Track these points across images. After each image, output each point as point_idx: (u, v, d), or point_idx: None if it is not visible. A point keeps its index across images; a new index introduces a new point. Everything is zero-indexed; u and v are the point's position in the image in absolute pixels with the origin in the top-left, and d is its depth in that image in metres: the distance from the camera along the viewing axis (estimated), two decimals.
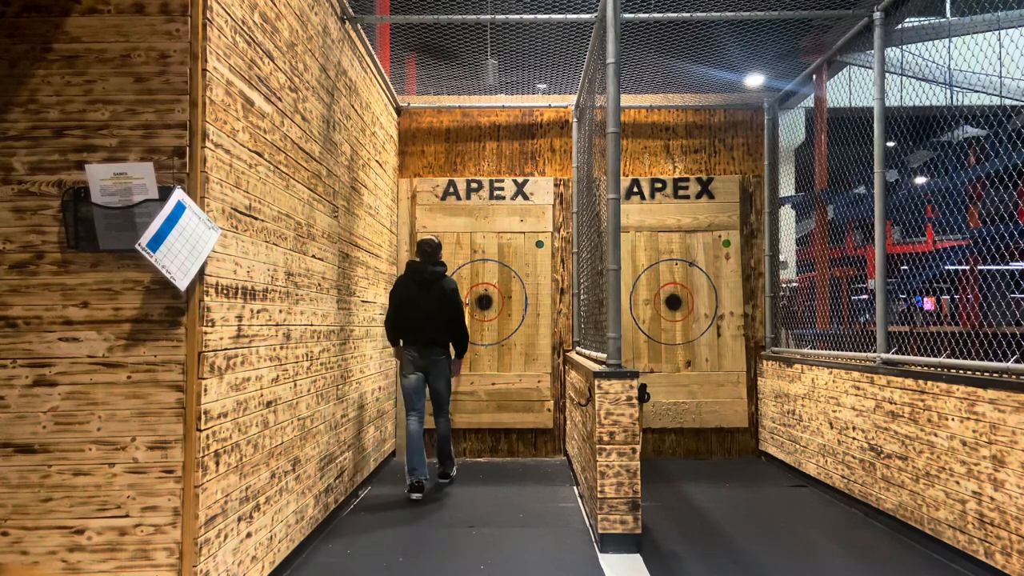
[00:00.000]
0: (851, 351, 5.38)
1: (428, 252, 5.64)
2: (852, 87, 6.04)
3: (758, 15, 5.38)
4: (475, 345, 6.99)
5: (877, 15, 5.07)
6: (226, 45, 3.07)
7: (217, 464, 2.97)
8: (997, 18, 4.66)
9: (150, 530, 2.78)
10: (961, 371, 4.02)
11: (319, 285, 4.49)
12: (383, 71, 6.25)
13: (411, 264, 5.63)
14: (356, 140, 5.45)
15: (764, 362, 6.84)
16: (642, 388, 4.27)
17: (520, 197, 7.10)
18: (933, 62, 5.32)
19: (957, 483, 3.94)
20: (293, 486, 3.96)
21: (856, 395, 5.05)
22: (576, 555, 4.15)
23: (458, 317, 5.63)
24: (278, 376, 3.73)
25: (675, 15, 5.41)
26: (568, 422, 6.68)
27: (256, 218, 3.43)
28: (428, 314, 5.53)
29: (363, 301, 5.71)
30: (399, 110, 7.17)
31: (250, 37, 3.33)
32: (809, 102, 6.96)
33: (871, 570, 3.92)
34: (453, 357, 5.77)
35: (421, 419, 5.54)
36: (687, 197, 7.08)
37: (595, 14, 5.21)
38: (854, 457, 5.08)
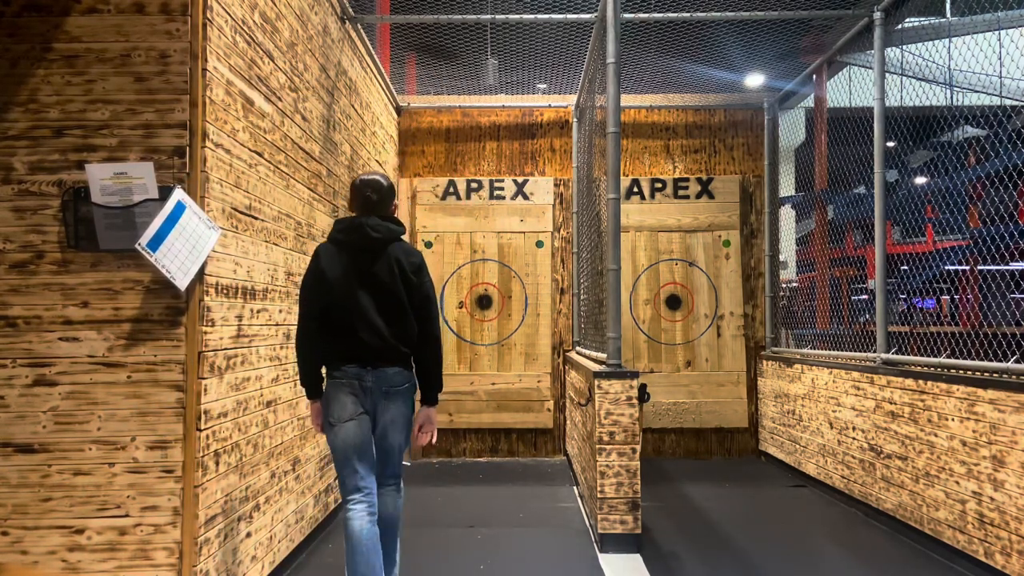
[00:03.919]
0: (851, 351, 5.38)
1: (374, 202, 3.17)
2: (852, 87, 6.04)
3: (758, 15, 5.38)
4: (475, 345, 6.99)
5: (877, 15, 5.07)
6: (226, 45, 3.07)
7: (217, 464, 2.97)
8: (997, 18, 4.66)
9: (150, 530, 2.78)
10: (961, 371, 4.02)
11: None
12: (383, 71, 6.26)
13: (340, 221, 3.19)
14: (356, 140, 5.45)
15: (764, 362, 6.84)
16: (642, 388, 4.27)
17: (520, 197, 7.10)
18: (933, 62, 5.32)
19: (957, 483, 3.94)
20: (293, 486, 3.96)
21: (856, 395, 5.05)
22: (576, 555, 4.15)
23: (429, 313, 3.18)
24: (278, 376, 3.73)
25: (675, 15, 5.41)
26: (568, 422, 6.68)
27: (256, 218, 3.43)
28: (376, 302, 3.10)
29: None
30: (399, 110, 7.16)
31: (250, 37, 3.33)
32: (809, 102, 6.96)
33: (871, 570, 3.92)
34: (419, 400, 3.23)
35: (373, 505, 3.08)
36: (687, 197, 7.08)
37: (595, 14, 5.21)
38: (854, 457, 5.08)
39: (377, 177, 3.21)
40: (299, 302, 3.14)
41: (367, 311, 3.08)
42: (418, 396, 3.24)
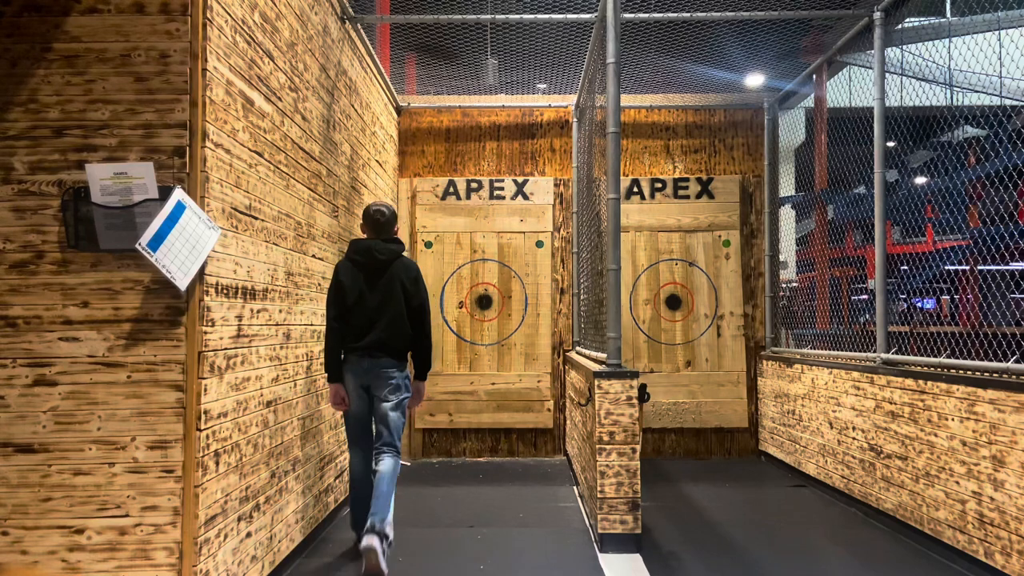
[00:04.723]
0: (851, 351, 5.38)
1: (381, 223, 4.15)
2: (852, 87, 6.04)
3: (758, 15, 5.38)
4: (475, 345, 7.00)
5: (877, 15, 5.07)
6: (226, 45, 3.07)
7: (217, 464, 2.97)
8: (997, 18, 4.66)
9: (150, 530, 2.78)
10: (961, 371, 4.02)
11: (319, 285, 4.49)
12: (383, 71, 6.26)
13: (355, 243, 4.14)
14: (356, 140, 5.45)
15: (764, 362, 6.84)
16: (642, 388, 4.27)
17: (520, 197, 7.10)
18: (933, 62, 5.32)
19: (957, 483, 3.94)
20: (293, 486, 3.96)
21: (856, 395, 5.05)
22: (576, 555, 4.15)
23: (422, 316, 4.15)
24: (278, 376, 3.73)
25: (675, 15, 5.41)
26: (568, 422, 6.68)
27: (256, 218, 3.43)
28: (379, 308, 4.05)
29: None
30: (399, 110, 7.16)
31: (250, 37, 3.33)
32: (809, 102, 6.96)
33: (871, 570, 3.92)
34: (413, 377, 4.28)
35: (369, 455, 4.13)
36: (687, 197, 7.08)
37: (595, 14, 5.21)
38: (854, 457, 5.08)
39: (382, 207, 4.20)
40: (326, 306, 4.13)
41: (372, 315, 4.06)
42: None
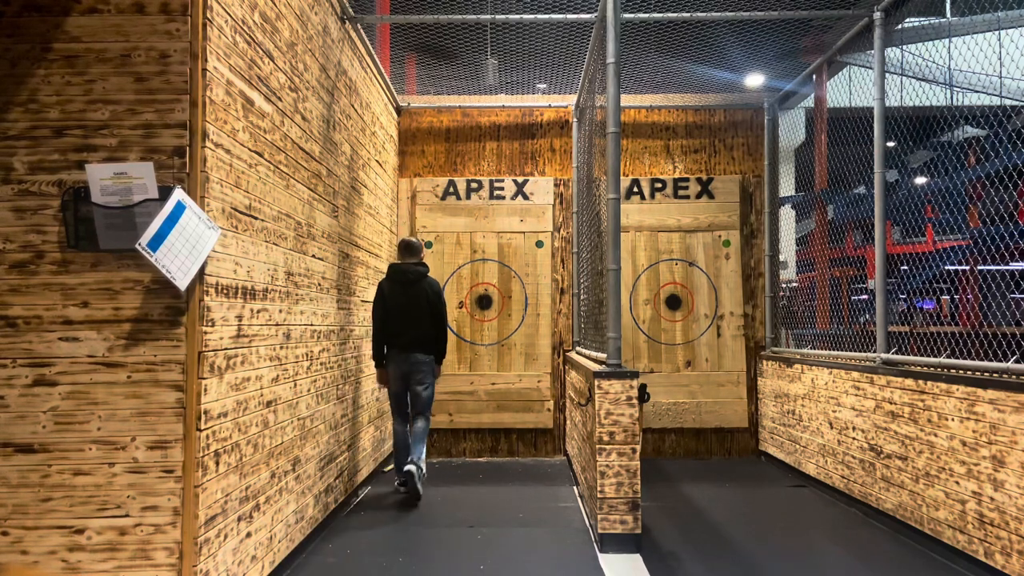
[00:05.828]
0: (851, 351, 5.37)
1: (411, 250, 5.57)
2: (852, 87, 6.04)
3: (758, 15, 5.38)
4: (475, 345, 7.00)
5: (877, 15, 5.08)
6: (226, 45, 3.07)
7: (217, 464, 2.97)
8: (997, 18, 4.66)
9: (150, 530, 2.78)
10: (961, 371, 4.02)
11: (319, 285, 4.49)
12: (383, 71, 6.26)
13: (393, 266, 5.53)
14: (356, 140, 5.45)
15: (764, 362, 6.84)
16: (642, 388, 4.27)
17: (520, 197, 7.10)
18: (933, 62, 5.32)
19: (957, 483, 3.94)
20: (293, 486, 3.96)
21: (856, 395, 5.05)
22: (576, 555, 4.15)
23: (442, 321, 5.52)
24: (278, 376, 3.73)
25: (675, 15, 5.41)
26: (568, 422, 6.68)
27: (256, 218, 3.44)
28: (412, 314, 5.42)
29: (363, 301, 5.71)
30: (399, 110, 7.16)
31: (250, 37, 3.33)
32: (809, 102, 6.96)
33: (871, 570, 3.92)
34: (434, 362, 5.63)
35: (406, 422, 5.53)
36: (687, 197, 7.08)
37: (595, 14, 5.21)
38: (854, 457, 5.08)
39: (411, 239, 5.63)
40: (372, 312, 5.52)
41: (406, 320, 5.42)
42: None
